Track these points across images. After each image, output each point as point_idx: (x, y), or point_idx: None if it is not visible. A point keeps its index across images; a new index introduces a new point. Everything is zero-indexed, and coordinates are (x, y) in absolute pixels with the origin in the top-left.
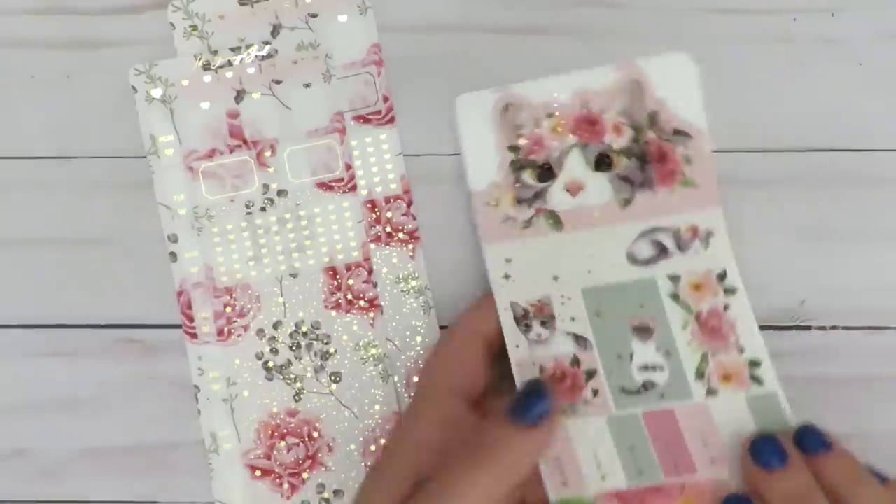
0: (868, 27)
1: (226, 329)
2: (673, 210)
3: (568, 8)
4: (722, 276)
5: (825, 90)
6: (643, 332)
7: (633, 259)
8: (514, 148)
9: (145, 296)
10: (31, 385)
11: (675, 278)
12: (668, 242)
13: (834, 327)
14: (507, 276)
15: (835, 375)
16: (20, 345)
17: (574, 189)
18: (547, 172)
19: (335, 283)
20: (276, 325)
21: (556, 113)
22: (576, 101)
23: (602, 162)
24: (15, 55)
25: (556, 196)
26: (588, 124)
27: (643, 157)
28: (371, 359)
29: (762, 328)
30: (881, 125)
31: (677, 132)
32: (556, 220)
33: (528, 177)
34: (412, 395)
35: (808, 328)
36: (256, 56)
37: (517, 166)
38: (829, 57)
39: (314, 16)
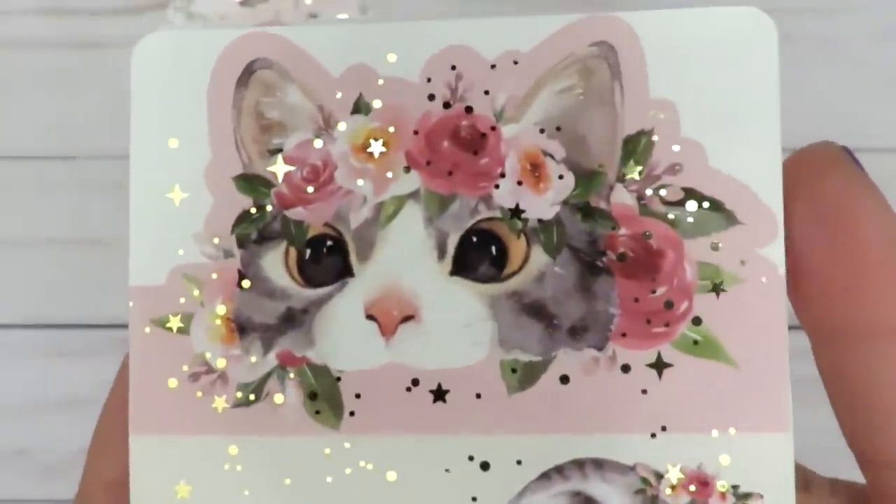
0: (868, 27)
1: None
2: (644, 420)
3: (563, 12)
4: None
5: (825, 90)
6: None
7: None
8: (251, 182)
9: None
10: (31, 385)
11: None
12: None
13: None
14: None
15: None
16: (20, 345)
17: (388, 318)
18: (328, 257)
19: None
20: None
21: (376, 105)
22: (435, 79)
23: (477, 250)
24: (15, 55)
25: (342, 328)
26: (457, 144)
27: (591, 252)
28: None
29: None
30: (881, 125)
31: (700, 203)
32: (330, 401)
33: (272, 262)
34: None
35: None
36: None
37: (251, 233)
38: (829, 57)
39: (314, 16)
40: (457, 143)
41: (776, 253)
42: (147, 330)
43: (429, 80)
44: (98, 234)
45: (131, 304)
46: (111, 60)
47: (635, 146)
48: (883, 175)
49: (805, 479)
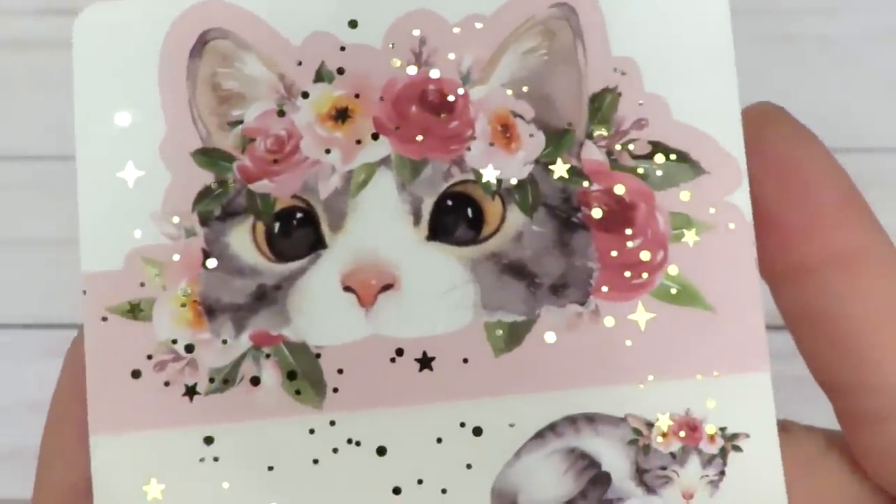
0: (868, 27)
1: None
2: (631, 371)
3: None
4: None
5: (825, 90)
6: None
7: None
8: (211, 156)
9: None
10: (31, 385)
11: None
12: (620, 464)
13: None
14: None
15: None
16: (20, 345)
17: (367, 288)
18: (298, 230)
19: None
20: None
21: (341, 69)
22: (399, 44)
23: (453, 213)
24: (15, 55)
25: (318, 302)
26: (425, 108)
27: (566, 209)
28: None
29: (771, 328)
30: (881, 125)
31: (667, 155)
32: (310, 379)
33: (239, 238)
34: None
35: None
36: None
37: (213, 209)
38: (829, 57)
39: None
40: (425, 107)
41: (742, 199)
42: (104, 319)
43: (392, 45)
44: None
45: (84, 291)
46: None
47: (601, 103)
48: (883, 175)
49: (782, 423)
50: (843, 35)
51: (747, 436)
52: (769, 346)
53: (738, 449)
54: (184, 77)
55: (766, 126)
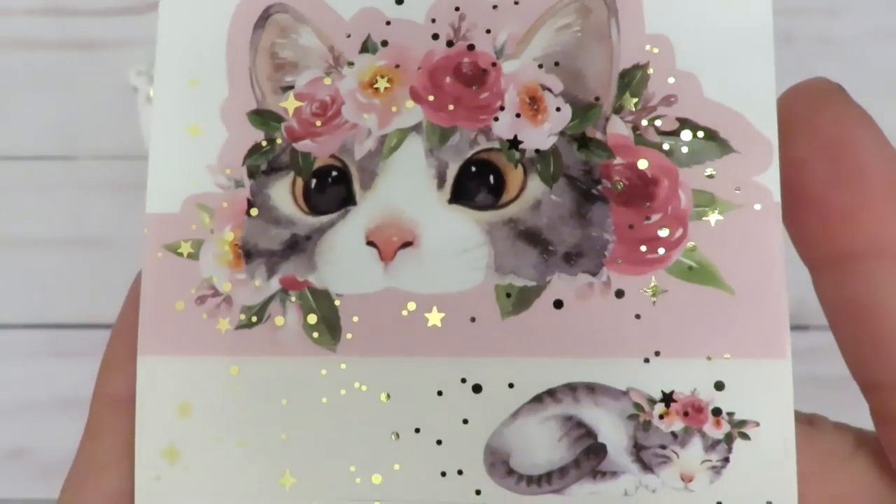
0: (868, 27)
1: None
2: (637, 345)
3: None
4: None
5: None
6: None
7: (501, 470)
8: (263, 117)
9: None
10: (31, 385)
11: None
12: (617, 438)
13: None
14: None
15: (834, 375)
16: (20, 345)
17: (388, 244)
18: (332, 186)
19: None
20: None
21: (385, 41)
22: (440, 20)
23: (476, 179)
24: (15, 55)
25: (342, 253)
26: (459, 80)
27: (586, 181)
28: None
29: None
30: (881, 125)
31: (695, 132)
32: (328, 324)
33: (280, 191)
34: None
35: (807, 328)
36: None
37: (261, 164)
38: (829, 57)
39: None
40: (458, 78)
41: (771, 179)
42: (159, 255)
43: (433, 20)
44: (98, 234)
45: (146, 230)
46: (111, 60)
47: (631, 79)
48: None
49: (809, 417)
50: (843, 35)
51: (757, 424)
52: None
53: (745, 437)
54: (247, 46)
55: (819, 103)
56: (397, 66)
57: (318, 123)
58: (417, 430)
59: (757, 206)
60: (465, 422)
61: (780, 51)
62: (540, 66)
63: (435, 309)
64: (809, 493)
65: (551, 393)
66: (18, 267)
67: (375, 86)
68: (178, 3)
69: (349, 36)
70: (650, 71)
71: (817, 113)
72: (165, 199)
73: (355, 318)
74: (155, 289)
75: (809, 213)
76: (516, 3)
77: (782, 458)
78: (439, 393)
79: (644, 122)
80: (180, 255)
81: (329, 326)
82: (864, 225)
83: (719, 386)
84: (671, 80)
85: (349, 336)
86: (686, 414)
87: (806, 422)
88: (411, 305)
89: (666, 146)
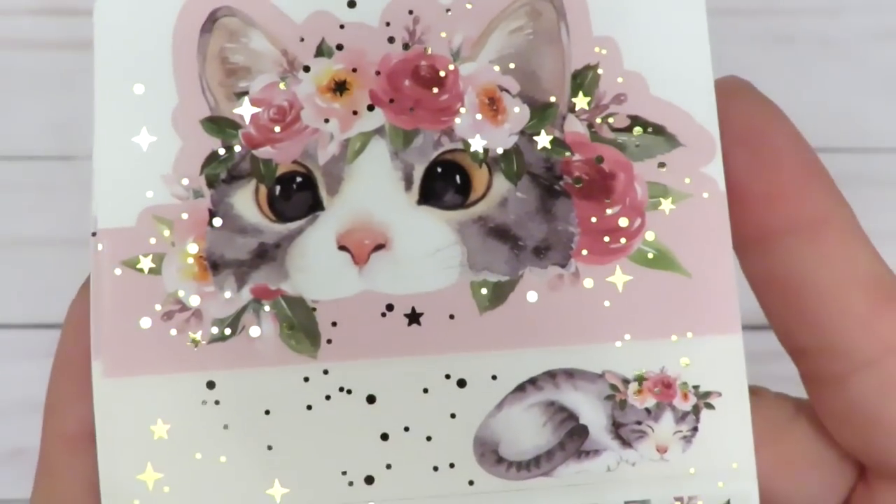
0: (868, 27)
1: None
2: (609, 330)
3: None
4: None
5: (825, 90)
6: None
7: (491, 459)
8: (218, 124)
9: None
10: (31, 385)
11: None
12: (597, 418)
13: None
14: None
15: None
16: (20, 345)
17: (360, 248)
18: (298, 193)
19: None
20: None
21: (340, 45)
22: (394, 23)
23: (442, 179)
24: (15, 55)
25: (314, 259)
26: (418, 82)
27: (549, 177)
28: None
29: (762, 328)
30: (881, 125)
31: (645, 129)
32: (306, 331)
33: (243, 200)
34: None
35: None
36: None
37: (220, 172)
38: (829, 57)
39: None
40: (417, 81)
41: (716, 170)
42: (118, 272)
43: (388, 24)
44: None
45: (100, 247)
46: None
47: (583, 79)
48: (883, 175)
49: (753, 388)
50: (843, 35)
51: (719, 394)
52: (770, 345)
53: (710, 406)
54: (195, 51)
55: (732, 99)
56: (354, 70)
57: (278, 129)
58: (406, 429)
59: (705, 195)
60: (453, 416)
61: (780, 51)
62: (497, 68)
63: None
64: (758, 458)
65: (533, 381)
66: (18, 267)
67: (334, 90)
68: (114, 5)
69: (302, 40)
70: (600, 71)
71: (731, 107)
72: (119, 213)
73: (334, 323)
74: (115, 308)
75: (732, 199)
76: (468, 6)
77: (741, 423)
78: (425, 390)
79: (598, 120)
80: (140, 270)
81: (307, 333)
82: (783, 206)
83: (685, 362)
84: (620, 79)
85: (329, 341)
86: (657, 390)
87: (752, 394)
88: (389, 307)
89: (619, 141)
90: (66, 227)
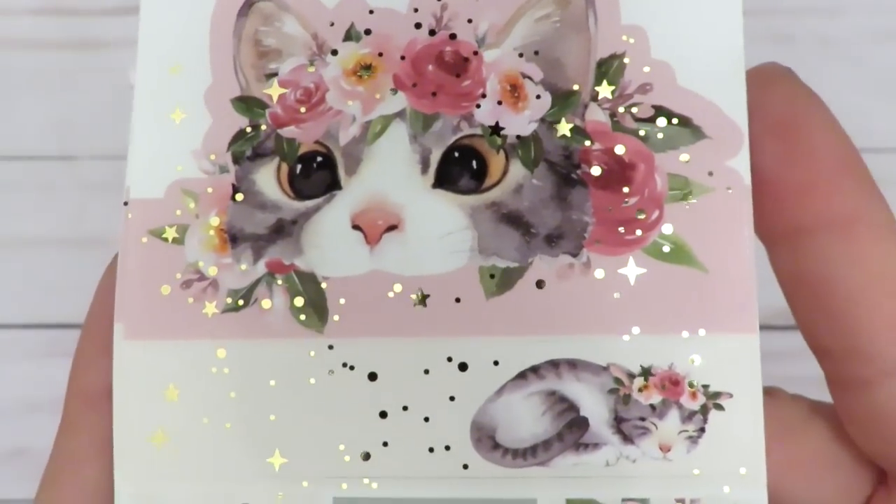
0: (868, 27)
1: None
2: (617, 322)
3: None
4: None
5: (825, 90)
6: None
7: (487, 444)
8: (247, 104)
9: None
10: (31, 385)
11: None
12: (598, 411)
13: None
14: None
15: None
16: (20, 345)
17: (373, 228)
18: (317, 172)
19: None
20: None
21: (368, 30)
22: (422, 9)
23: (459, 164)
24: (15, 55)
25: (328, 237)
26: (441, 68)
27: (566, 166)
28: None
29: (762, 328)
30: (881, 125)
31: (670, 119)
32: (315, 306)
33: (265, 177)
34: None
35: None
36: None
37: (245, 150)
38: (829, 57)
39: None
40: (441, 66)
41: (741, 164)
42: (144, 240)
43: (416, 10)
44: (98, 234)
45: (129, 215)
46: (111, 60)
47: (608, 68)
48: (883, 175)
49: (768, 389)
50: (843, 35)
51: (730, 395)
52: (769, 345)
53: (719, 407)
54: (231, 34)
55: (771, 86)
56: (380, 55)
57: (303, 110)
58: (405, 408)
59: (729, 190)
60: (452, 399)
61: (780, 51)
62: (520, 55)
63: None
64: (770, 458)
65: (535, 369)
66: (18, 267)
67: (359, 73)
68: None
69: (332, 24)
70: (626, 60)
71: (767, 95)
72: (149, 185)
73: (342, 301)
74: (139, 274)
75: (763, 191)
76: None
77: (752, 427)
78: (426, 371)
79: (621, 110)
80: (165, 240)
81: (316, 308)
82: (815, 201)
83: (695, 360)
84: (646, 69)
85: (336, 318)
86: (664, 387)
87: (766, 394)
88: (397, 287)
89: (642, 132)
90: (66, 227)
